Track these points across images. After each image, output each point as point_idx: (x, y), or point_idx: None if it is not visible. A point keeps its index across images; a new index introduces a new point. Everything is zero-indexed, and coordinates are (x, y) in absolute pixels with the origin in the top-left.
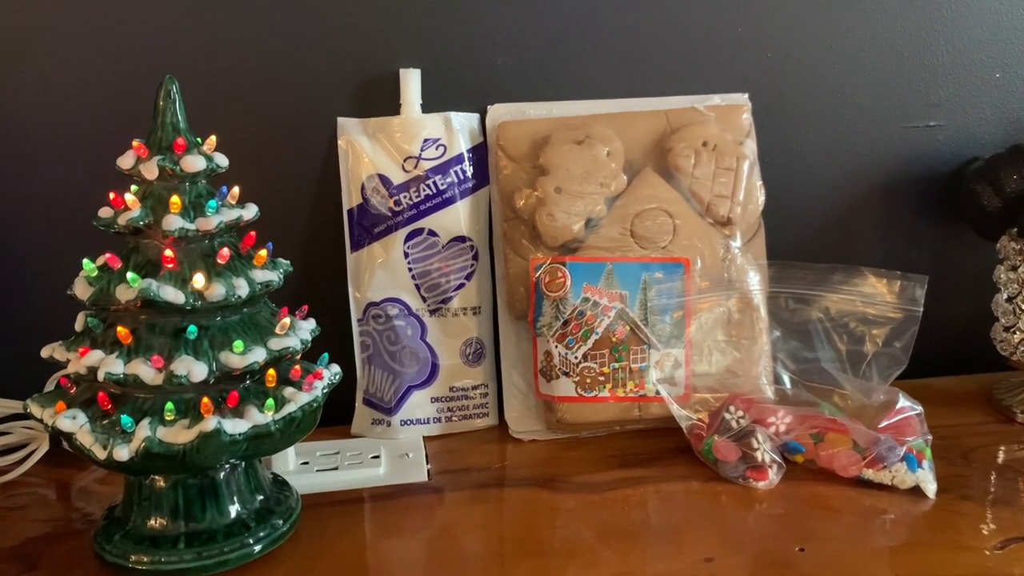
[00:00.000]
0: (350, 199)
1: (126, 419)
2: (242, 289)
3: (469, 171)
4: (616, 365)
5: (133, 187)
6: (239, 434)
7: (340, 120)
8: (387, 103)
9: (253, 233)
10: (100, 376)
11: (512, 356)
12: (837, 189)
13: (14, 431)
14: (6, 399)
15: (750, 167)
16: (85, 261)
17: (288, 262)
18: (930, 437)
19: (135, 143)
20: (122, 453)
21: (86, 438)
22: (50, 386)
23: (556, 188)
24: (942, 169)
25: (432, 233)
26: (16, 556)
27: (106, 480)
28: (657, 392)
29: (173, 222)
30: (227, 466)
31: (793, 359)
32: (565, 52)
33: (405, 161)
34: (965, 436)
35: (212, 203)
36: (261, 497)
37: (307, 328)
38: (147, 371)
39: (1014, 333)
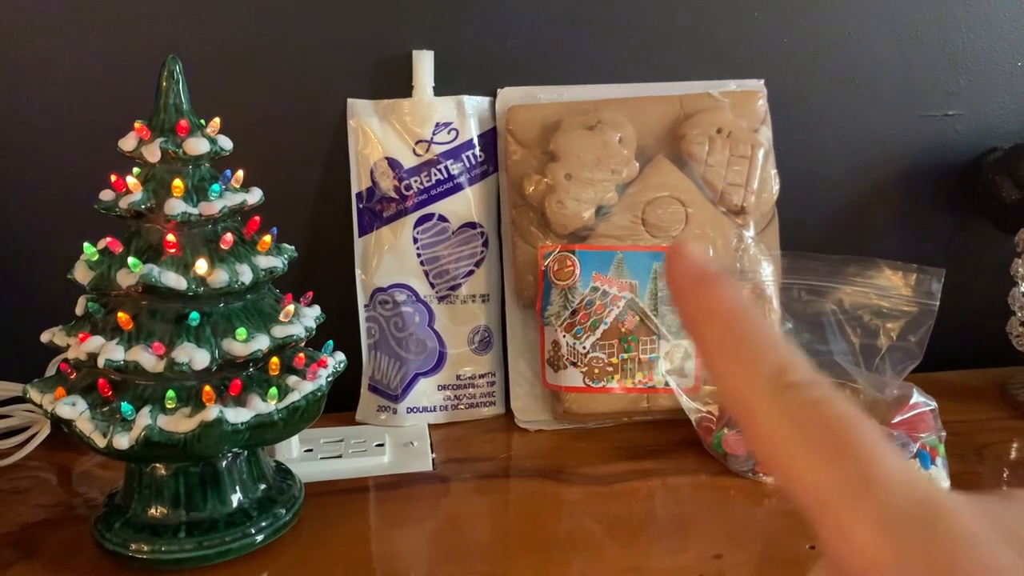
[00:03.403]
0: (359, 182)
1: (126, 407)
2: (245, 275)
3: (480, 156)
4: (625, 356)
5: (135, 169)
6: (241, 423)
7: (350, 101)
8: (398, 85)
9: (257, 218)
10: (100, 363)
11: (519, 345)
12: (852, 179)
13: (15, 414)
14: (7, 382)
15: (765, 155)
16: (86, 245)
17: (293, 248)
18: (944, 434)
19: (137, 124)
20: (122, 441)
21: (86, 425)
22: (51, 370)
23: (566, 174)
24: (960, 159)
25: (443, 219)
26: (15, 542)
27: (107, 465)
28: (666, 383)
29: (175, 206)
30: (229, 455)
31: (805, 351)
32: (577, 35)
33: (416, 145)
34: (978, 432)
35: (215, 187)
36: (264, 486)
37: (312, 315)
38: (148, 358)
39: None
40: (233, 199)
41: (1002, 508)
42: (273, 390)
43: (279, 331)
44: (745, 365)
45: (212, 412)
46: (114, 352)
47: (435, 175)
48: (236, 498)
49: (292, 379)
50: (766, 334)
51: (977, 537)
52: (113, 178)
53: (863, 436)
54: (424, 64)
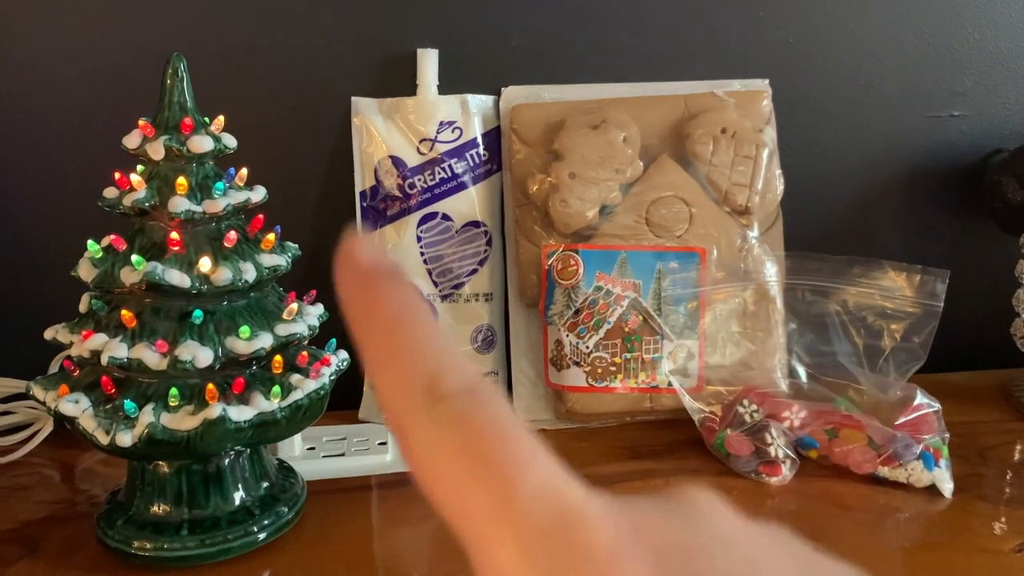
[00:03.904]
0: (363, 181)
1: (129, 404)
2: (249, 273)
3: (484, 155)
4: (628, 355)
5: (139, 167)
6: (244, 421)
7: (354, 100)
8: (402, 83)
9: (261, 216)
10: (104, 360)
11: (522, 344)
12: (857, 179)
13: (18, 411)
14: (10, 379)
15: (769, 155)
16: (90, 242)
17: (296, 246)
18: (947, 435)
19: (141, 122)
20: (125, 439)
21: (89, 423)
22: (54, 367)
23: (570, 174)
24: (965, 160)
25: (446, 217)
26: (17, 539)
27: (110, 462)
28: (669, 384)
29: (179, 204)
30: (232, 453)
31: (809, 352)
32: (582, 34)
33: (420, 143)
34: (982, 434)
35: (219, 185)
36: (266, 484)
37: (315, 313)
38: (151, 356)
39: None
40: (237, 197)
41: (656, 516)
42: (276, 388)
43: (282, 329)
44: (399, 376)
45: (215, 410)
46: (117, 349)
47: (439, 174)
48: (238, 496)
49: (295, 377)
50: (428, 341)
51: (614, 555)
52: (117, 175)
53: (510, 444)
54: (428, 62)
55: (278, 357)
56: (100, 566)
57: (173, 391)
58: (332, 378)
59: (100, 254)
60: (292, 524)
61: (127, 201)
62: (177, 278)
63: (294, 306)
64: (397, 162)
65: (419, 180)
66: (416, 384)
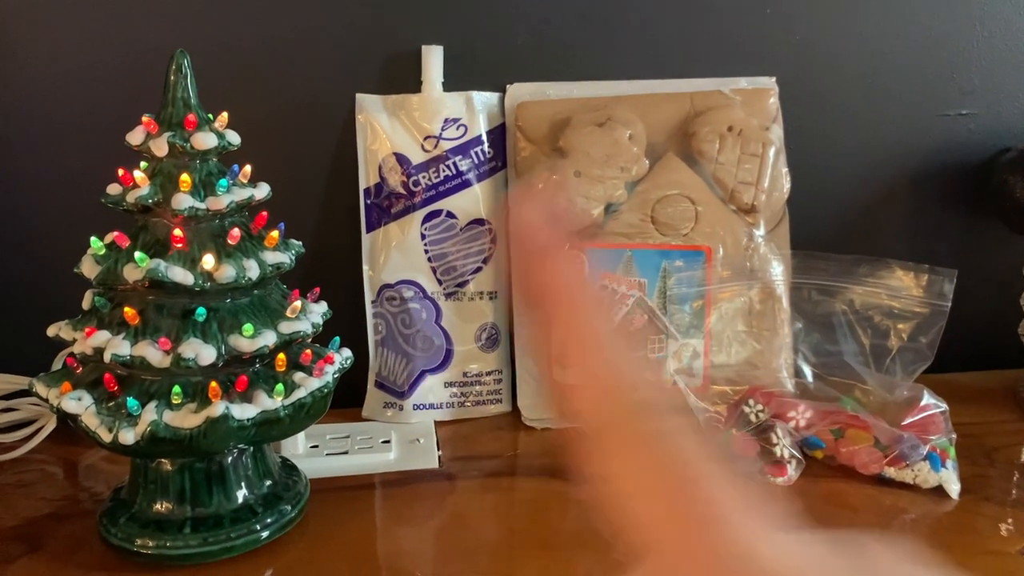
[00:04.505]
0: (367, 178)
1: (132, 402)
2: (252, 271)
3: (488, 152)
4: None
5: (142, 164)
6: (247, 419)
7: (359, 96)
8: (407, 80)
9: (265, 213)
10: (106, 358)
11: (526, 343)
12: (864, 178)
13: (21, 407)
14: (13, 375)
15: (776, 153)
16: (93, 239)
17: (300, 243)
18: (954, 436)
19: (145, 118)
20: (128, 437)
21: (91, 420)
22: (57, 364)
23: (576, 172)
24: (973, 159)
25: (451, 215)
26: (20, 536)
27: (113, 459)
28: (674, 383)
29: (183, 201)
30: (235, 451)
31: (815, 352)
32: (587, 31)
33: (425, 140)
34: (989, 435)
35: (223, 182)
36: (269, 482)
37: (318, 311)
38: (154, 353)
39: None
40: (240, 194)
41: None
42: (279, 386)
43: (286, 327)
44: (600, 389)
45: (218, 408)
46: (120, 347)
47: (443, 171)
48: (241, 494)
49: (299, 375)
50: (624, 362)
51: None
52: (120, 172)
53: (723, 506)
54: (433, 59)
55: (281, 355)
56: (103, 564)
57: (176, 389)
58: (335, 376)
59: (103, 251)
60: (295, 522)
61: (130, 198)
62: (180, 275)
63: (297, 304)
64: (401, 159)
65: (423, 177)
66: (623, 393)
